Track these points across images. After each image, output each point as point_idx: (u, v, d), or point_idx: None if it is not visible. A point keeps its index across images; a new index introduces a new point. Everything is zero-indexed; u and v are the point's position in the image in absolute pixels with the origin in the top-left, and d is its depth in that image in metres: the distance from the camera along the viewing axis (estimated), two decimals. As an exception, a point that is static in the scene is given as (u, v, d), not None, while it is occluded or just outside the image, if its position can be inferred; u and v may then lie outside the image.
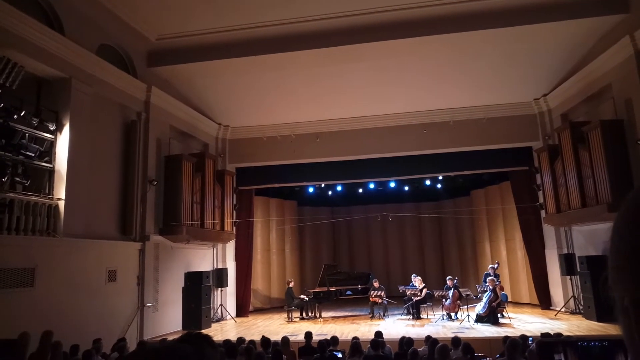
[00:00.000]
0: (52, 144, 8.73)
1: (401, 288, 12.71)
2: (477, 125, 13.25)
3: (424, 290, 12.22)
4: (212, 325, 12.05)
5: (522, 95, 12.89)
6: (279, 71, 11.96)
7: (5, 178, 7.42)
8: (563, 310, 11.79)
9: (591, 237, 11.23)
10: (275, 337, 8.15)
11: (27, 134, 8.00)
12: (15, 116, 7.59)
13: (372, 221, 17.54)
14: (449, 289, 11.80)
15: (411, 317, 12.04)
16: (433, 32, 10.45)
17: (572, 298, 11.78)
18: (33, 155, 8.05)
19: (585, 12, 9.89)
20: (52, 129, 8.67)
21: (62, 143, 8.82)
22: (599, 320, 9.99)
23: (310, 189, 16.58)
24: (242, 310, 14.05)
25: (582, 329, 9.45)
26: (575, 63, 11.35)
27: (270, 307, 15.78)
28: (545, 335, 6.81)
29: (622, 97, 9.83)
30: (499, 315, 11.02)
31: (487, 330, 9.91)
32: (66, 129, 8.84)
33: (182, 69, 11.81)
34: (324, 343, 6.42)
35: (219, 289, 13.37)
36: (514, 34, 10.44)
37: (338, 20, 10.45)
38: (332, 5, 10.02)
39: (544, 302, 12.82)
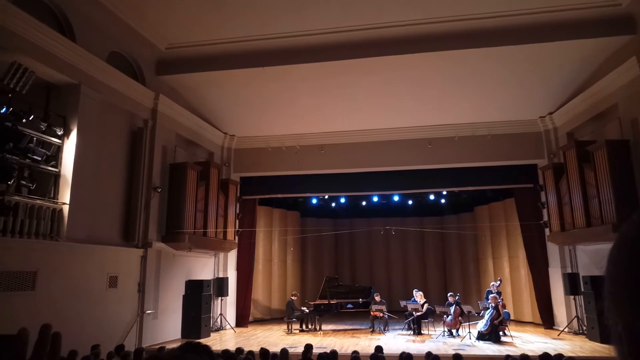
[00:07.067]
0: (59, 149, 8.81)
1: (402, 303, 12.62)
2: (482, 141, 13.26)
3: (425, 306, 12.13)
4: (212, 334, 11.98)
5: (528, 113, 12.91)
6: (285, 82, 12.05)
7: (12, 181, 7.47)
8: (566, 330, 11.65)
9: (596, 256, 11.14)
10: (274, 348, 8.09)
11: (34, 138, 8.09)
12: (24, 120, 7.67)
13: (375, 234, 17.47)
14: (451, 305, 11.71)
15: (412, 332, 11.94)
16: (440, 49, 10.53)
17: (576, 318, 11.65)
18: (40, 159, 8.12)
19: (592, 33, 9.95)
20: (59, 133, 8.75)
21: (69, 148, 8.90)
22: (602, 342, 9.84)
23: (314, 200, 16.58)
24: (242, 320, 13.97)
25: (585, 350, 9.32)
26: (581, 82, 11.38)
27: (271, 318, 15.69)
28: (545, 356, 6.71)
29: (628, 117, 9.82)
30: (500, 333, 10.91)
31: (488, 348, 9.81)
32: (73, 134, 8.93)
33: (190, 78, 11.93)
34: (323, 356, 6.38)
35: (219, 298, 13.33)
36: (521, 52, 10.49)
37: (345, 35, 10.54)
38: (339, 19, 10.12)
39: (547, 321, 12.68)
